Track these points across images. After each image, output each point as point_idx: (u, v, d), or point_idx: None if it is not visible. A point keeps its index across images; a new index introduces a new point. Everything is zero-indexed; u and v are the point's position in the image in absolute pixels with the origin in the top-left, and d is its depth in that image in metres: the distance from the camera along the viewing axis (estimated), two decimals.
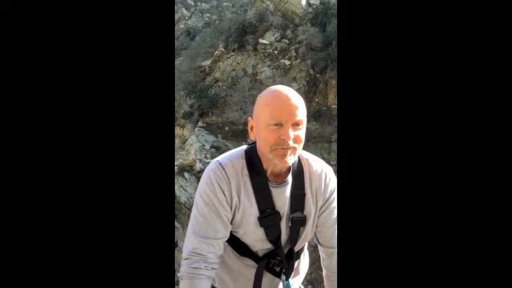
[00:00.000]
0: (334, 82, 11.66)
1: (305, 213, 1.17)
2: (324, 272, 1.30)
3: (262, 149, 1.09)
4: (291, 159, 1.07)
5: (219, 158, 1.17)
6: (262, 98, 1.09)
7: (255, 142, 1.15)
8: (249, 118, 1.13)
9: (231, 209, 1.12)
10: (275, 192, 1.13)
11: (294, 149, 1.06)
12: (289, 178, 1.15)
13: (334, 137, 10.58)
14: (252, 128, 1.12)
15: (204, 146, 11.64)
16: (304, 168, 1.18)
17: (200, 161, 11.35)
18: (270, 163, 1.10)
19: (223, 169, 1.12)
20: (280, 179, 1.14)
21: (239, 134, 11.67)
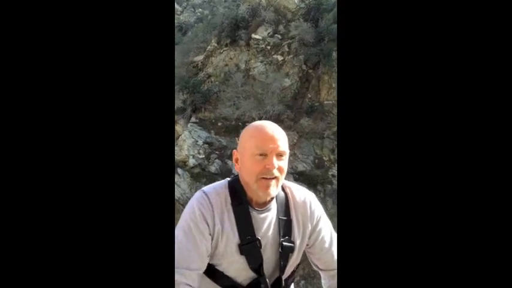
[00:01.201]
0: (326, 78, 11.67)
1: (292, 239, 1.19)
2: None
3: (247, 179, 1.12)
4: (274, 191, 1.12)
5: (204, 188, 1.20)
6: (247, 131, 1.16)
7: (237, 175, 1.19)
8: (234, 150, 1.18)
9: (212, 238, 1.12)
10: (257, 218, 1.15)
11: (277, 179, 1.11)
12: (272, 204, 1.18)
13: (327, 132, 10.61)
14: (236, 160, 1.17)
15: (197, 141, 11.60)
16: (288, 196, 1.22)
17: (193, 156, 11.31)
18: (254, 193, 1.14)
19: (207, 197, 1.14)
20: (263, 206, 1.17)
21: (232, 129, 11.63)
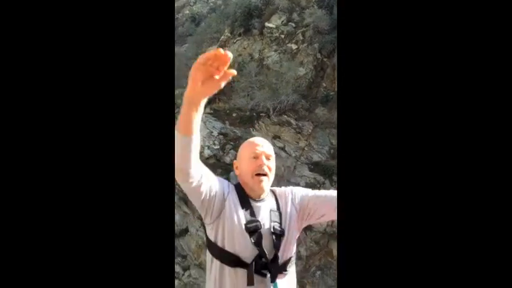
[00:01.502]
0: None
1: (283, 226, 1.60)
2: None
3: (245, 178, 1.60)
4: (266, 185, 1.59)
5: None
6: (243, 145, 1.68)
7: (238, 182, 1.64)
8: (234, 161, 1.69)
9: (222, 197, 1.52)
10: (255, 206, 1.59)
11: (268, 176, 1.58)
12: (266, 197, 1.63)
13: None
14: (237, 167, 1.66)
15: (212, 132, 11.69)
16: (276, 196, 1.67)
17: (208, 147, 11.41)
18: (251, 190, 1.59)
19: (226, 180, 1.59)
20: (258, 198, 1.61)
21: (246, 120, 11.66)
